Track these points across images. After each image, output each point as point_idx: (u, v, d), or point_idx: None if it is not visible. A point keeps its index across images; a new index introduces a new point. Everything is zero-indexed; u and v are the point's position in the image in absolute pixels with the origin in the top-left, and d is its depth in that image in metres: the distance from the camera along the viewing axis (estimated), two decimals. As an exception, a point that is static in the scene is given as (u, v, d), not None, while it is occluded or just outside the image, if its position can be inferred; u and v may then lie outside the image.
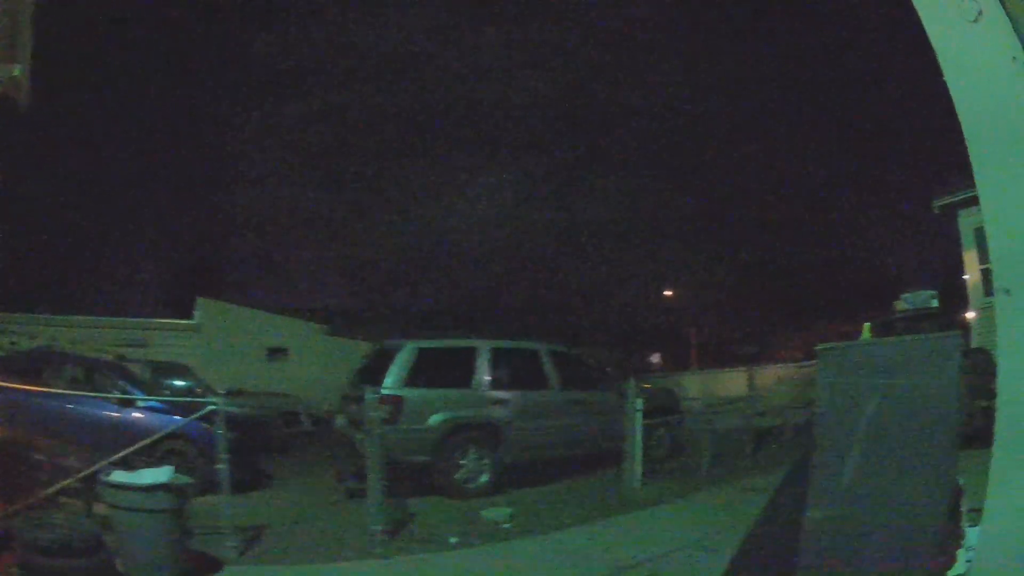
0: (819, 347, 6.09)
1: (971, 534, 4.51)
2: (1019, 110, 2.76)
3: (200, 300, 34.73)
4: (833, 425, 5.62)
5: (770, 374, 35.80)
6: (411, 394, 14.00)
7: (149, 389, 15.70)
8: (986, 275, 20.87)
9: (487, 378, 15.18)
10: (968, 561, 4.25)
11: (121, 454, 10.04)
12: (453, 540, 10.52)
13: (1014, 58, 2.80)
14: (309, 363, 33.18)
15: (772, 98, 69.56)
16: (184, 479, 8.57)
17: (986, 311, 20.22)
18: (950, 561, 4.51)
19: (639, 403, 14.68)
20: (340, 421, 15.42)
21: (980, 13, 2.87)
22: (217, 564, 9.08)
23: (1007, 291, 2.81)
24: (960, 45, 2.94)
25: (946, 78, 2.98)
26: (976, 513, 4.35)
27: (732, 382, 35.51)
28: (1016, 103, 2.77)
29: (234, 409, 14.32)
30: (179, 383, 21.77)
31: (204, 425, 11.50)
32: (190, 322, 33.91)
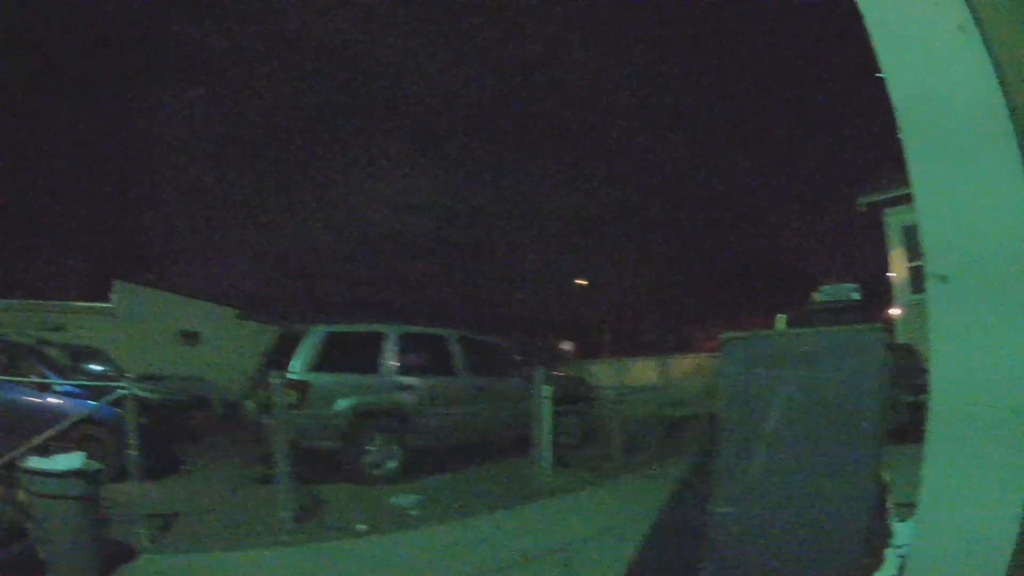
0: (723, 337, 5.74)
1: (900, 530, 4.41)
2: (964, 85, 2.59)
3: (118, 284, 34.11)
4: (738, 418, 5.41)
5: (683, 364, 36.04)
6: (318, 379, 13.79)
7: (67, 374, 15.33)
8: (914, 273, 21.16)
9: (395, 364, 15.00)
10: (900, 557, 4.13)
11: (38, 439, 9.77)
12: (361, 527, 10.36)
13: (961, 26, 2.62)
14: (221, 347, 32.82)
15: (697, 90, 70.11)
16: (96, 465, 8.30)
17: (913, 308, 20.47)
18: (878, 561, 4.40)
19: (547, 391, 14.48)
20: (249, 406, 15.02)
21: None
22: (132, 552, 8.87)
23: (943, 278, 2.63)
24: (896, 11, 2.75)
25: (877, 50, 2.78)
26: (905, 508, 4.23)
27: (644, 371, 35.66)
28: (961, 77, 2.60)
29: (145, 394, 14.03)
30: (95, 367, 21.38)
31: (118, 410, 11.22)
32: (107, 306, 33.30)
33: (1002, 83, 2.54)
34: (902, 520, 4.40)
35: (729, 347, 5.60)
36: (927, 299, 2.70)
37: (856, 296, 21.22)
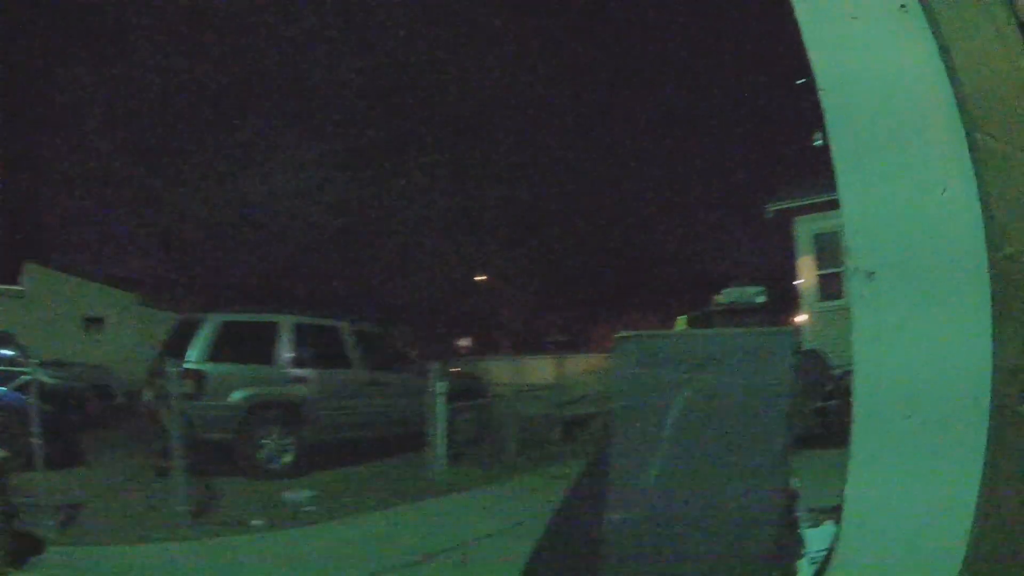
0: (617, 336, 5.52)
1: (813, 537, 4.30)
2: (900, 70, 2.45)
3: (29, 266, 33.03)
4: (633, 421, 5.20)
5: (580, 363, 36.03)
6: (213, 369, 13.52)
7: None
8: (823, 281, 21.40)
9: (289, 355, 14.75)
10: (814, 564, 4.01)
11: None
12: (257, 523, 10.23)
13: (902, 5, 2.49)
14: (124, 334, 32.00)
15: (606, 88, 70.29)
16: (2, 453, 8.09)
17: (819, 315, 20.66)
18: (791, 571, 4.28)
19: (443, 386, 14.35)
20: (147, 395, 14.61)
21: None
22: (40, 544, 8.54)
23: (870, 273, 2.48)
24: (829, 9, 2.61)
25: (802, 30, 2.63)
26: (816, 514, 4.11)
27: (540, 369, 35.60)
28: (898, 60, 2.46)
29: (49, 380, 13.65)
30: (3, 352, 20.73)
31: (23, 397, 10.94)
32: (17, 288, 32.22)
33: (949, 69, 2.40)
34: (814, 526, 4.30)
35: (623, 346, 5.32)
36: (851, 296, 2.54)
37: (760, 299, 21.26)
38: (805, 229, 21.84)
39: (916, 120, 2.45)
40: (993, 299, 2.35)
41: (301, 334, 15.10)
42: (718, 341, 5.24)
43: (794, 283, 23.02)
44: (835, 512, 5.27)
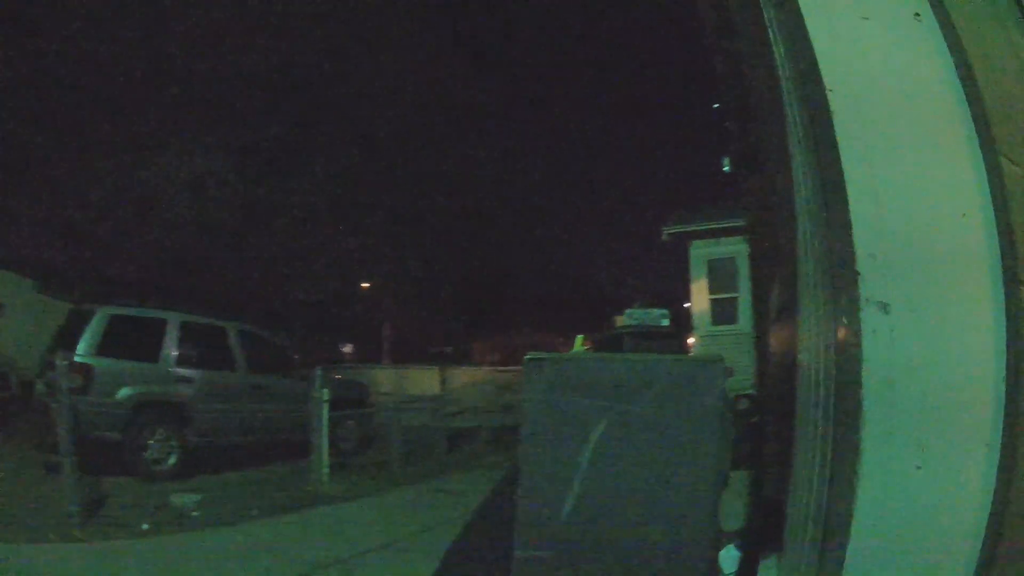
0: (528, 357, 4.87)
1: (724, 559, 4.10)
2: (917, 82, 2.24)
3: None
4: (544, 451, 4.83)
5: (464, 375, 35.88)
6: (101, 364, 13.00)
7: None
8: (716, 305, 21.65)
9: (175, 353, 14.32)
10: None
11: None
12: (145, 526, 9.93)
13: (917, 14, 2.28)
14: (21, 322, 30.77)
15: (504, 105, 70.34)
16: None
17: (712, 338, 20.78)
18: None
19: (326, 393, 14.03)
20: (40, 388, 14.08)
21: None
22: None
23: (884, 305, 2.23)
24: (839, 6, 2.39)
25: (808, 27, 2.40)
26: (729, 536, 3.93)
27: (425, 380, 35.32)
28: (915, 71, 2.25)
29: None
30: None
31: None
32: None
33: (969, 87, 2.18)
34: (728, 543, 4.11)
35: (533, 369, 4.91)
36: (863, 331, 2.28)
37: (665, 322, 21.28)
38: (699, 254, 22.07)
39: (931, 134, 2.23)
40: (1009, 332, 2.15)
41: (188, 333, 14.69)
42: (641, 368, 4.89)
43: (684, 306, 23.20)
44: (739, 535, 5.05)
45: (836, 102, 2.30)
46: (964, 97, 2.23)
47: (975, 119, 2.21)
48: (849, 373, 2.28)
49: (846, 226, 2.23)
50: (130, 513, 10.43)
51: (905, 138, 2.26)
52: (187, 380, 14.26)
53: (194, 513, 10.79)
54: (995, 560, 2.24)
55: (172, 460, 13.44)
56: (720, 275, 21.40)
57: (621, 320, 21.56)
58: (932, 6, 2.30)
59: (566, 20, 74.43)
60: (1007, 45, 2.23)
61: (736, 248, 20.62)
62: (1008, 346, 2.16)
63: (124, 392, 13.07)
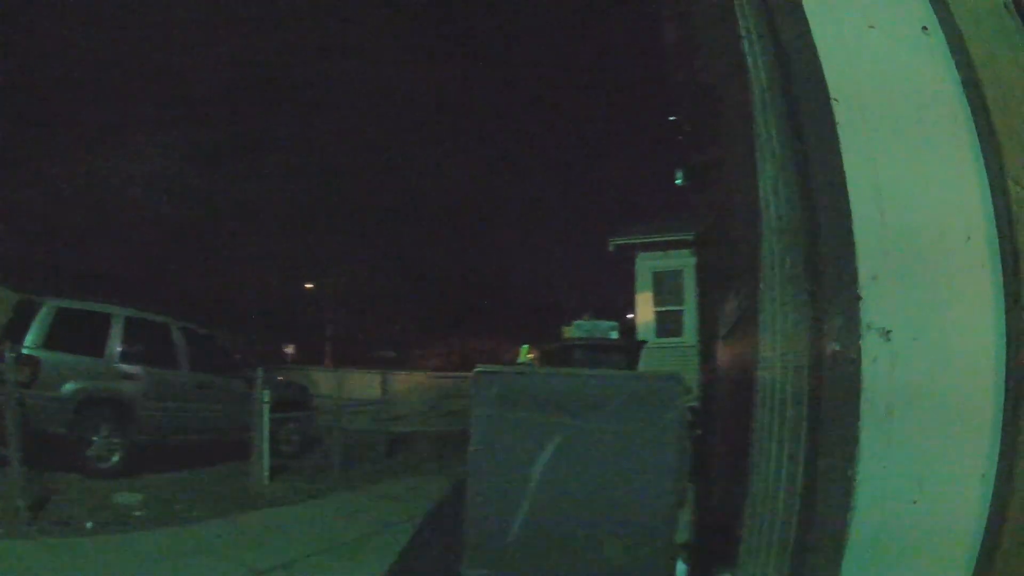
0: (478, 369, 4.76)
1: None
2: (923, 98, 2.14)
3: None
4: (493, 467, 4.67)
5: (406, 380, 35.62)
6: (48, 357, 12.73)
7: None
8: (661, 317, 21.69)
9: (119, 349, 14.06)
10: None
11: None
12: (89, 525, 9.76)
13: (924, 27, 2.19)
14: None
15: (458, 111, 70.31)
16: None
17: (655, 351, 20.72)
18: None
19: (267, 395, 13.89)
20: None
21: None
22: None
23: (885, 332, 2.12)
24: (846, 13, 2.29)
25: (815, 34, 2.30)
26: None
27: (366, 384, 35.02)
28: (921, 87, 2.15)
29: None
30: None
31: None
32: None
33: (977, 107, 2.09)
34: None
35: (483, 383, 4.74)
36: (863, 357, 2.16)
37: (615, 335, 21.16)
38: (645, 266, 22.09)
39: (937, 153, 2.14)
40: (1009, 357, 2.06)
41: (133, 328, 14.46)
42: (597, 384, 4.76)
43: (628, 317, 23.18)
44: (685, 549, 4.95)
45: (839, 112, 2.19)
46: (971, 116, 2.13)
47: (982, 140, 2.13)
48: (842, 400, 2.18)
49: (848, 246, 2.13)
50: (76, 510, 10.24)
51: (911, 155, 2.17)
52: (131, 377, 14.03)
53: (137, 513, 10.62)
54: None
55: (116, 458, 13.19)
56: (666, 287, 21.46)
57: (569, 331, 21.33)
58: (940, 21, 2.21)
59: (524, 29, 74.65)
60: (1016, 66, 2.14)
61: (683, 261, 20.67)
62: (1008, 372, 2.08)
63: (69, 387, 12.82)
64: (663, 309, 21.69)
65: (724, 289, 8.07)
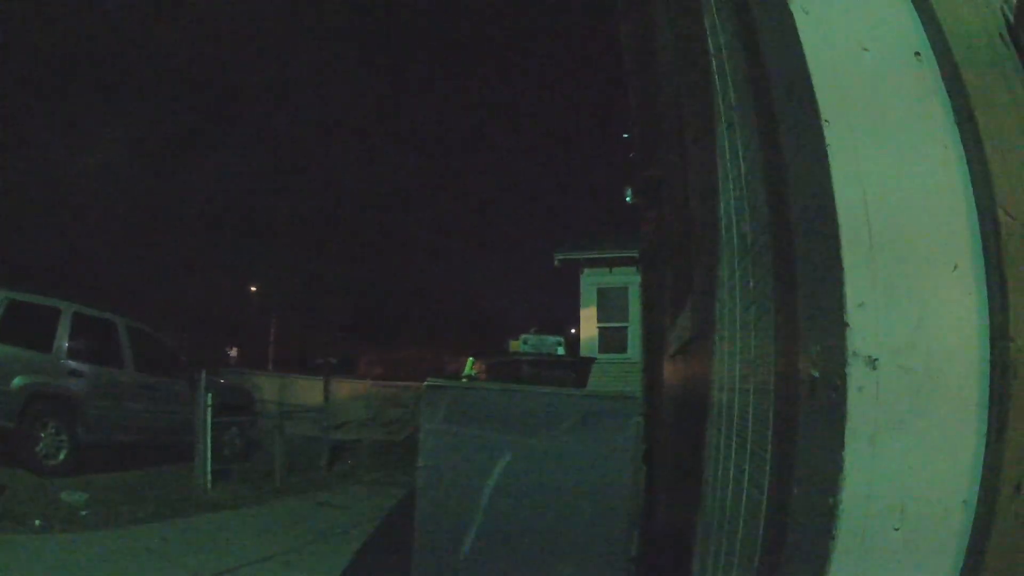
0: (428, 383, 4.83)
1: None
2: (921, 125, 2.09)
3: None
4: (443, 483, 4.59)
5: (348, 387, 35.43)
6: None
7: None
8: (604, 333, 21.77)
9: (67, 345, 13.84)
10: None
11: None
12: (37, 522, 9.77)
13: (917, 53, 2.15)
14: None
15: (408, 123, 70.61)
16: None
17: (598, 366, 20.74)
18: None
19: (210, 398, 13.83)
20: None
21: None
22: None
23: (872, 360, 2.05)
24: (839, 34, 2.23)
25: (806, 53, 2.24)
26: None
27: (309, 390, 34.76)
28: (916, 115, 2.10)
29: None
30: None
31: None
32: None
33: (970, 137, 2.04)
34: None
35: (433, 397, 4.66)
36: (848, 387, 2.09)
37: (561, 350, 21.11)
38: (590, 282, 22.18)
39: (926, 180, 2.08)
40: (992, 388, 2.01)
41: (80, 325, 14.25)
42: (550, 401, 4.72)
43: (571, 332, 23.27)
44: (633, 562, 4.89)
45: (829, 134, 2.13)
46: (961, 144, 2.09)
47: (972, 168, 2.08)
48: (824, 427, 2.12)
49: (836, 272, 2.07)
50: (25, 507, 10.24)
51: (900, 181, 2.11)
52: (77, 374, 13.85)
53: (83, 512, 10.52)
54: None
55: (62, 455, 13.04)
56: (610, 304, 21.56)
57: (516, 345, 21.25)
58: (934, 47, 2.16)
59: (475, 40, 74.95)
60: (1010, 95, 2.10)
61: (628, 279, 20.76)
62: (991, 402, 2.03)
63: (18, 381, 12.62)
64: (607, 325, 21.80)
65: (675, 307, 8.04)
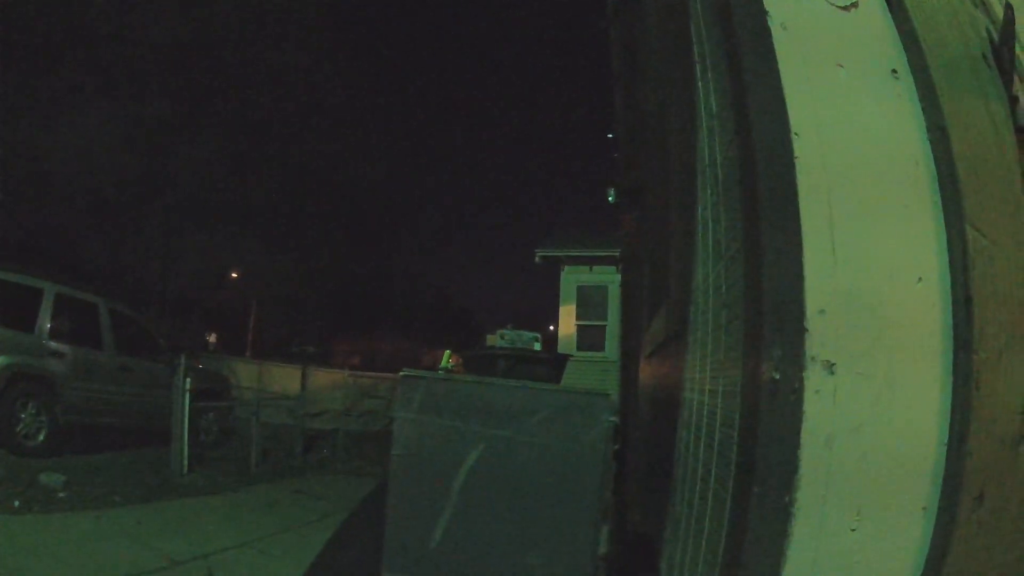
0: (404, 373, 4.97)
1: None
2: (887, 140, 2.14)
3: None
4: (415, 473, 4.66)
5: (325, 376, 35.33)
6: None
7: None
8: (583, 331, 21.80)
9: (48, 325, 13.65)
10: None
11: None
12: (16, 504, 9.73)
13: (893, 71, 2.19)
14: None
15: (392, 116, 70.30)
16: None
17: (575, 364, 20.70)
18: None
19: (188, 383, 13.77)
20: None
21: (854, 3, 2.27)
22: None
23: (830, 365, 2.11)
24: (814, 49, 2.28)
25: (781, 68, 2.29)
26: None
27: (286, 378, 34.66)
28: (886, 129, 2.15)
29: None
30: None
31: None
32: None
33: (942, 152, 2.10)
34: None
35: (408, 387, 4.73)
36: (805, 391, 2.14)
37: (538, 346, 21.05)
38: (570, 280, 22.20)
39: (896, 195, 2.14)
40: (955, 398, 2.07)
41: (63, 305, 14.07)
42: (524, 395, 4.77)
43: (550, 328, 23.30)
44: (604, 560, 4.94)
45: (799, 147, 2.19)
46: (933, 160, 2.15)
47: (942, 185, 2.14)
48: (781, 428, 2.17)
49: (797, 278, 2.12)
50: (4, 488, 10.19)
51: (869, 196, 2.17)
52: (59, 355, 13.70)
53: (60, 494, 10.49)
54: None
55: (42, 436, 12.95)
56: (590, 302, 21.59)
57: (493, 339, 21.15)
58: (912, 66, 2.21)
59: (460, 34, 74.78)
60: (984, 112, 2.16)
61: (608, 277, 20.79)
62: (953, 412, 2.09)
63: (1, 360, 12.48)
64: (586, 323, 21.82)
65: (652, 308, 8.08)
